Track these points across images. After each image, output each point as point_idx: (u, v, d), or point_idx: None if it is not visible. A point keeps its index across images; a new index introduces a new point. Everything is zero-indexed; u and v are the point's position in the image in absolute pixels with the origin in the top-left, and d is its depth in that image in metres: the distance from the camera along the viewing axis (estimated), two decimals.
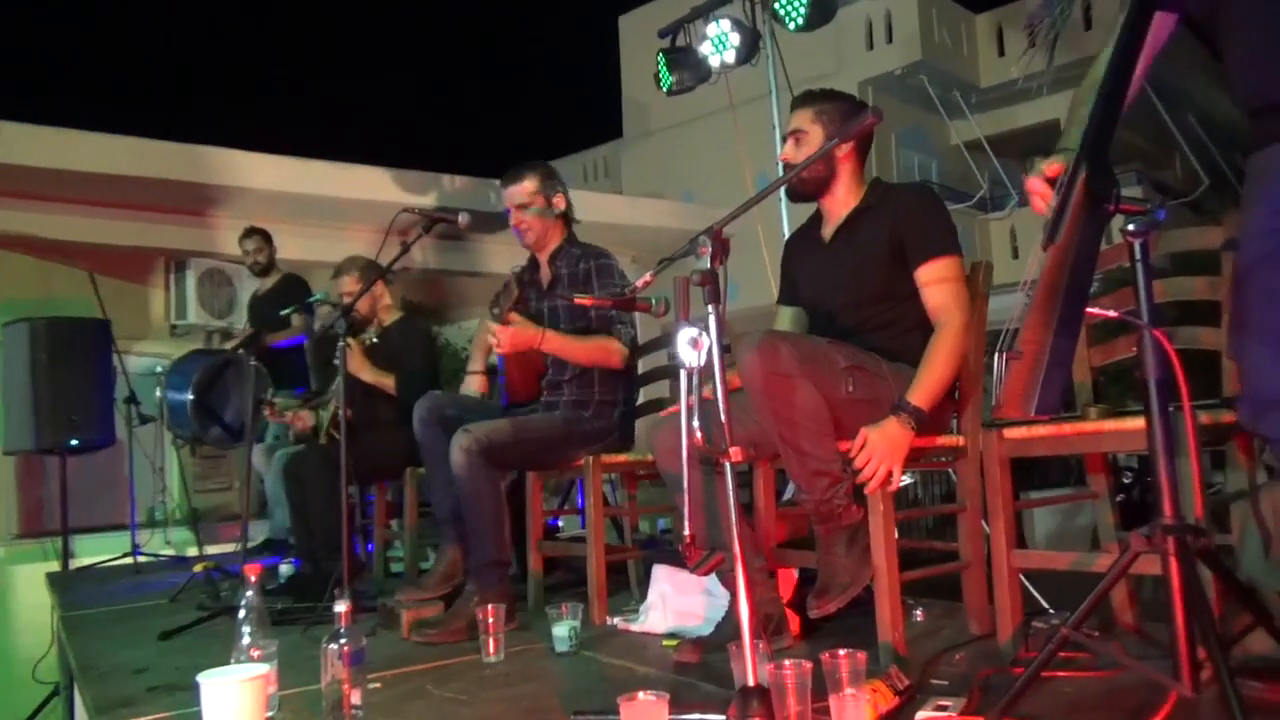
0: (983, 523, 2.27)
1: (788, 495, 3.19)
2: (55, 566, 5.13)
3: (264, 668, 1.71)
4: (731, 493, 1.62)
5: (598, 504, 2.88)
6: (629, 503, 3.36)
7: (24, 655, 4.79)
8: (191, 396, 4.81)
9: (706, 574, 1.71)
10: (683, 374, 1.61)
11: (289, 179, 6.54)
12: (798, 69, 4.88)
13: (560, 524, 4.81)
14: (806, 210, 2.56)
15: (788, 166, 2.37)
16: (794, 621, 2.38)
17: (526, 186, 3.00)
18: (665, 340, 3.33)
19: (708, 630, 2.40)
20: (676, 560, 2.67)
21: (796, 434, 2.05)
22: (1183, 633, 1.38)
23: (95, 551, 5.23)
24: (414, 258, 3.09)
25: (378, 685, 2.13)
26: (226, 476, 6.95)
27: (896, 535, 2.13)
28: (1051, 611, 2.42)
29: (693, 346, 1.58)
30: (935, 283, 2.21)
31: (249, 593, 1.97)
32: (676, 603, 2.61)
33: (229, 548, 5.15)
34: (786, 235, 3.04)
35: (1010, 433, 2.07)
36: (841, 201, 2.39)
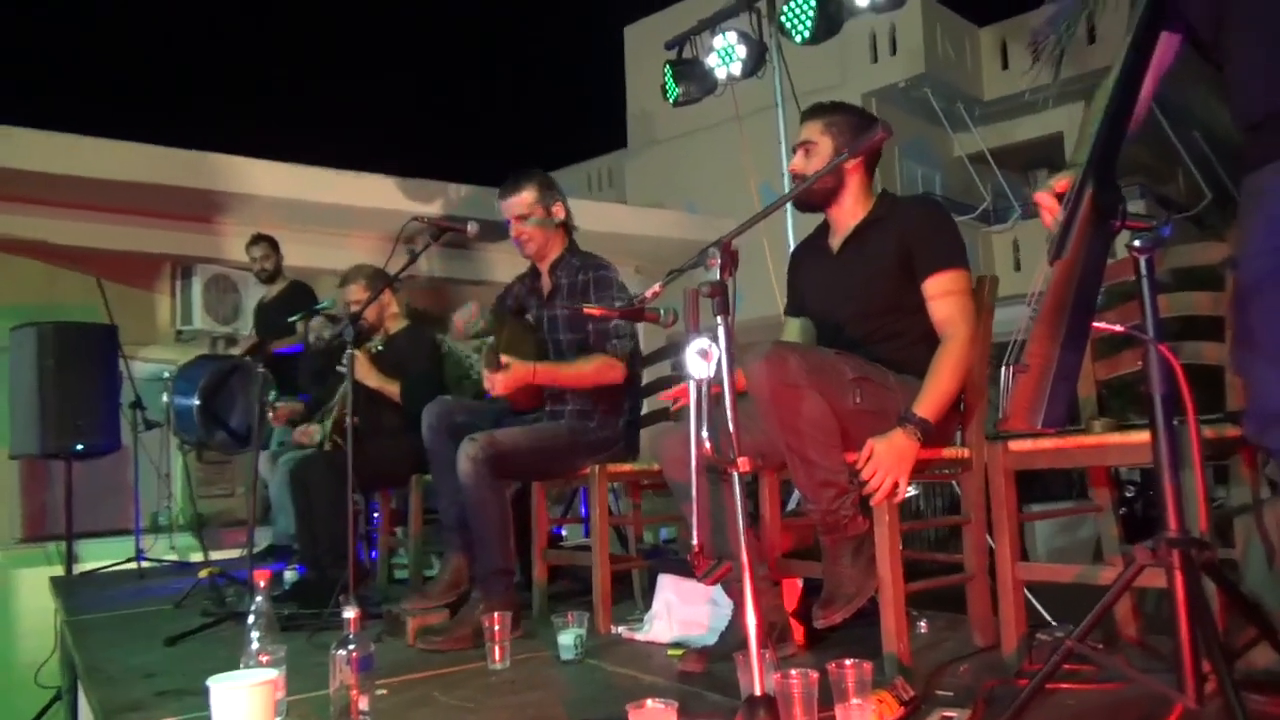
0: (986, 535, 2.28)
1: (791, 505, 3.19)
2: (59, 571, 5.13)
3: (273, 673, 1.72)
4: (739, 502, 1.63)
5: (603, 513, 2.89)
6: (633, 512, 3.36)
7: (26, 660, 4.79)
8: (198, 402, 4.83)
9: (714, 583, 1.72)
10: (691, 385, 1.62)
11: (295, 186, 6.57)
12: (802, 81, 4.91)
13: (563, 533, 4.82)
14: (811, 221, 2.57)
15: (796, 176, 2.39)
16: (798, 631, 2.39)
17: (525, 197, 2.98)
18: (670, 351, 3.34)
19: (712, 640, 2.40)
20: (681, 569, 2.68)
21: (804, 444, 2.07)
22: (1187, 645, 1.39)
23: (99, 556, 5.23)
24: (419, 265, 3.11)
25: (384, 692, 2.14)
26: (230, 482, 6.96)
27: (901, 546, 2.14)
28: (1054, 624, 2.43)
29: (702, 358, 1.59)
30: (942, 295, 2.23)
31: (258, 598, 1.98)
32: (681, 612, 2.62)
33: (232, 553, 5.16)
34: (791, 246, 3.07)
35: (1015, 445, 2.08)
36: (849, 213, 2.41)
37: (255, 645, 1.94)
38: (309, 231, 6.68)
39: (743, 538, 1.61)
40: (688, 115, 6.71)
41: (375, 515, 4.38)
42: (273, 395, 4.36)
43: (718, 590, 2.55)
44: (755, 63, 5.01)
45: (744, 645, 1.55)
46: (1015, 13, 12.64)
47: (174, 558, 5.52)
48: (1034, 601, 2.55)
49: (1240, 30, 1.54)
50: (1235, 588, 1.62)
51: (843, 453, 2.11)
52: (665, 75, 5.33)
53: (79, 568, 5.15)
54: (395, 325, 4.07)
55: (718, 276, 1.65)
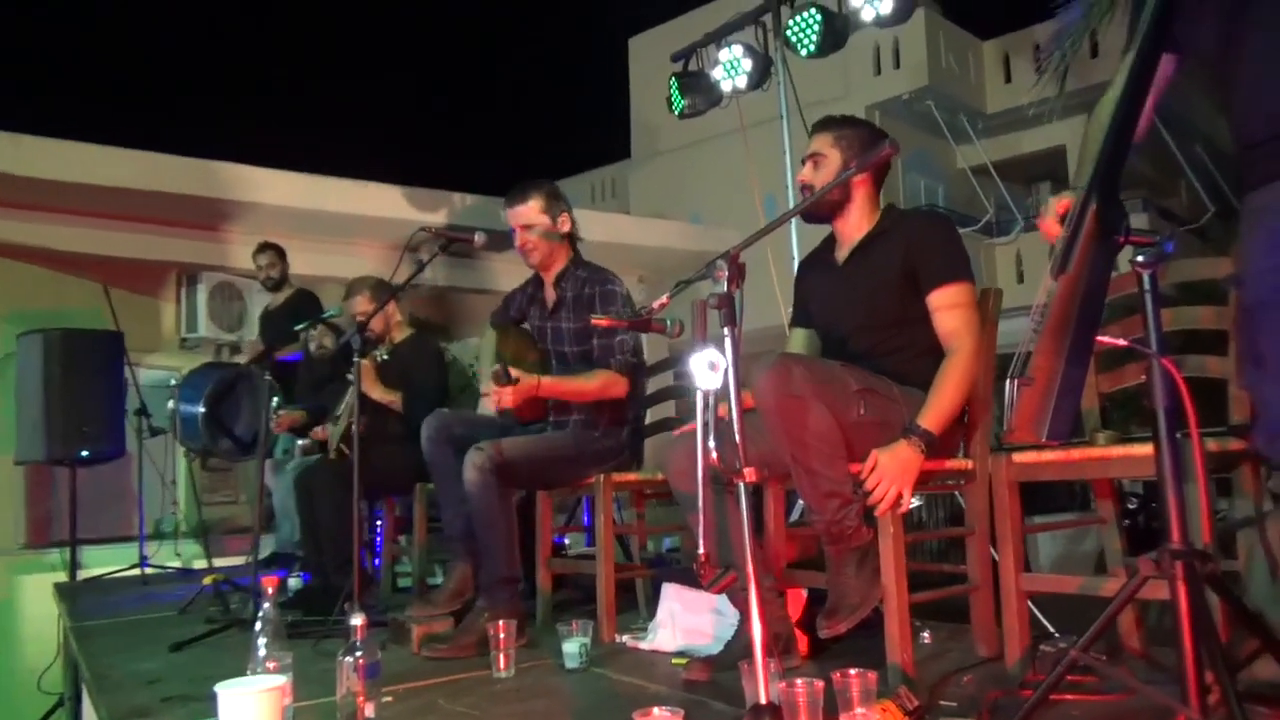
0: (990, 546, 2.29)
1: (795, 516, 3.20)
2: (62, 577, 5.14)
3: (281, 679, 1.73)
4: (745, 512, 1.64)
5: (608, 522, 2.90)
6: (638, 521, 3.37)
7: (29, 665, 4.80)
8: (203, 409, 4.84)
9: (719, 592, 1.73)
10: (699, 395, 1.64)
11: (301, 195, 6.59)
12: (806, 93, 4.93)
13: (566, 541, 4.82)
14: (816, 233, 2.59)
15: (805, 187, 2.41)
16: (802, 641, 2.40)
17: (532, 207, 2.98)
18: (674, 361, 3.36)
19: (717, 649, 2.41)
20: (684, 578, 2.69)
21: (808, 455, 2.08)
22: (1190, 657, 1.39)
23: (103, 563, 5.24)
24: (424, 274, 3.12)
25: (390, 699, 2.15)
26: (233, 490, 6.97)
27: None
28: (1058, 635, 2.43)
29: (710, 369, 1.60)
30: (947, 308, 2.24)
31: (266, 604, 1.98)
32: (685, 621, 2.63)
33: (236, 560, 5.17)
34: (796, 257, 3.09)
35: (1019, 457, 2.10)
36: (855, 225, 2.42)
37: (263, 651, 1.95)
38: (315, 240, 6.70)
39: (748, 548, 1.62)
40: (692, 126, 6.74)
41: (379, 523, 4.39)
42: (275, 403, 4.37)
43: (722, 600, 2.55)
44: (760, 75, 5.05)
45: (749, 654, 1.56)
46: (1018, 26, 12.74)
47: (178, 564, 5.54)
48: (1037, 613, 2.55)
49: (1249, 53, 1.55)
50: (1238, 600, 1.63)
51: (847, 464, 2.12)
52: (671, 87, 5.36)
53: (83, 574, 5.16)
54: (400, 334, 4.09)
55: (725, 288, 1.67)
